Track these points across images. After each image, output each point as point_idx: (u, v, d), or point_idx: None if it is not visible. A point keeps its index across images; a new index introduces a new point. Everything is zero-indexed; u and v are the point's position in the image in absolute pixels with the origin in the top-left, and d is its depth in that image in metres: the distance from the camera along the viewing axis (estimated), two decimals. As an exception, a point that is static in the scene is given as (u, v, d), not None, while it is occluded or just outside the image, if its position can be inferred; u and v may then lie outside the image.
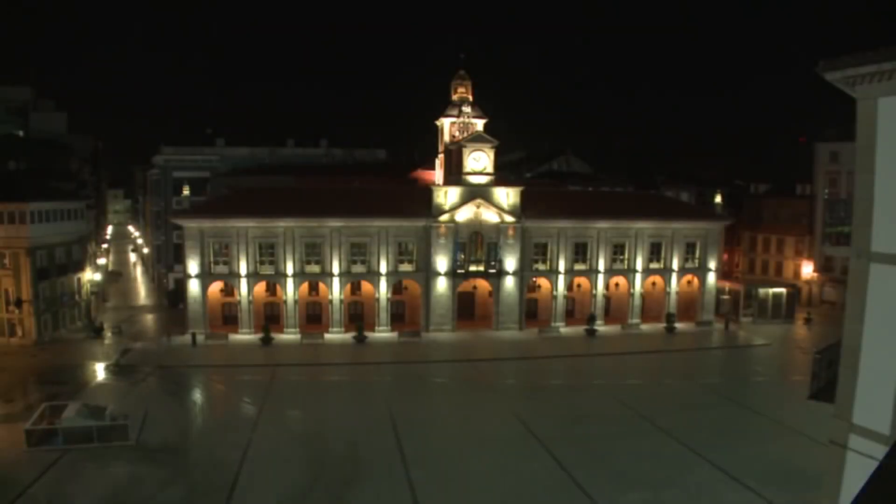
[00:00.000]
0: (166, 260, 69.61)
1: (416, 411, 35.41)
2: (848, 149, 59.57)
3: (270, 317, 54.64)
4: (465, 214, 53.98)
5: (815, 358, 16.73)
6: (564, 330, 55.67)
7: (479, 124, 58.41)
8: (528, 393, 39.75)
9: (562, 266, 56.39)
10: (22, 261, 49.06)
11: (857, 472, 12.97)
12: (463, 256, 54.18)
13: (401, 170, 73.01)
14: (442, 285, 54.32)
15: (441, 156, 61.33)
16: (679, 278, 59.07)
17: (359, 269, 54.02)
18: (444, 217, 53.62)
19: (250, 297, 52.86)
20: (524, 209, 54.76)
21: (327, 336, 52.13)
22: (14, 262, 49.06)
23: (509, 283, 55.23)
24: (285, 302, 53.31)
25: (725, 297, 62.66)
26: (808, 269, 70.36)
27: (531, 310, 58.60)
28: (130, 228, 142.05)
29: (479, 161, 54.49)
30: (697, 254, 59.36)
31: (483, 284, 56.73)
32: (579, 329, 55.29)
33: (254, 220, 52.05)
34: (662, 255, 58.64)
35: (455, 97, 59.67)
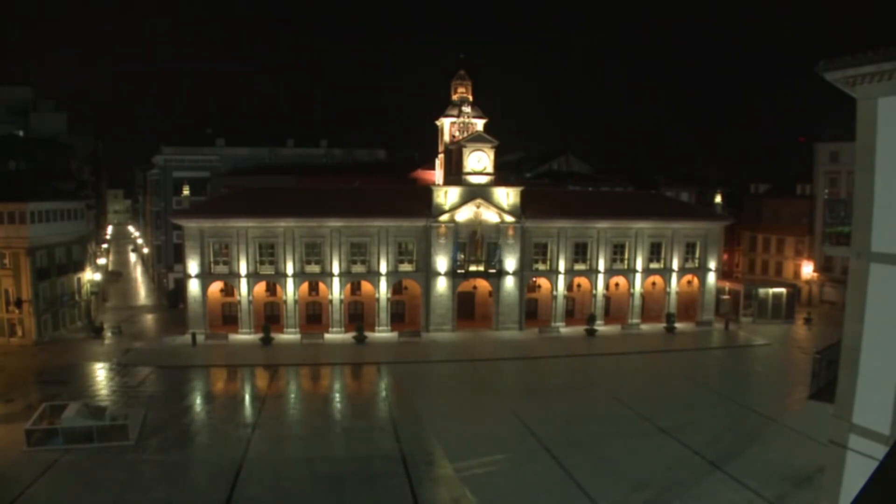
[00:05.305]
0: (166, 260, 69.61)
1: (415, 411, 35.37)
2: (848, 149, 59.60)
3: (270, 317, 54.66)
4: (465, 214, 53.96)
5: (815, 358, 16.76)
6: (564, 330, 55.66)
7: (479, 124, 58.40)
8: (529, 393, 39.71)
9: (562, 266, 56.37)
10: (22, 261, 49.07)
11: (857, 472, 12.99)
12: (463, 256, 54.15)
13: (401, 170, 73.04)
14: (442, 285, 54.31)
15: (441, 156, 61.32)
16: (679, 278, 59.04)
17: (359, 269, 54.01)
18: (444, 217, 53.61)
19: (250, 297, 52.85)
20: (524, 209, 54.75)
21: (327, 336, 52.12)
22: (14, 262, 49.07)
23: (509, 283, 55.22)
24: (285, 302, 53.30)
25: (725, 297, 62.64)
26: (808, 269, 70.35)
27: (531, 310, 58.59)
28: (130, 228, 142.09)
29: (480, 161, 54.47)
30: (697, 254, 59.33)
31: (483, 284, 56.72)
32: (579, 329, 55.27)
33: (254, 220, 52.04)
34: (662, 255, 58.61)
35: (455, 97, 59.65)
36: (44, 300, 51.13)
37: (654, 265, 58.50)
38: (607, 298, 58.83)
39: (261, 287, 54.21)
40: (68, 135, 74.03)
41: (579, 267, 57.19)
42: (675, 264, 58.63)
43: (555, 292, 56.74)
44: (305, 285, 54.68)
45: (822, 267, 68.34)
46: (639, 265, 57.86)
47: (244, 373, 44.00)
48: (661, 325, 57.12)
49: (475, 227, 53.90)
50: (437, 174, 62.61)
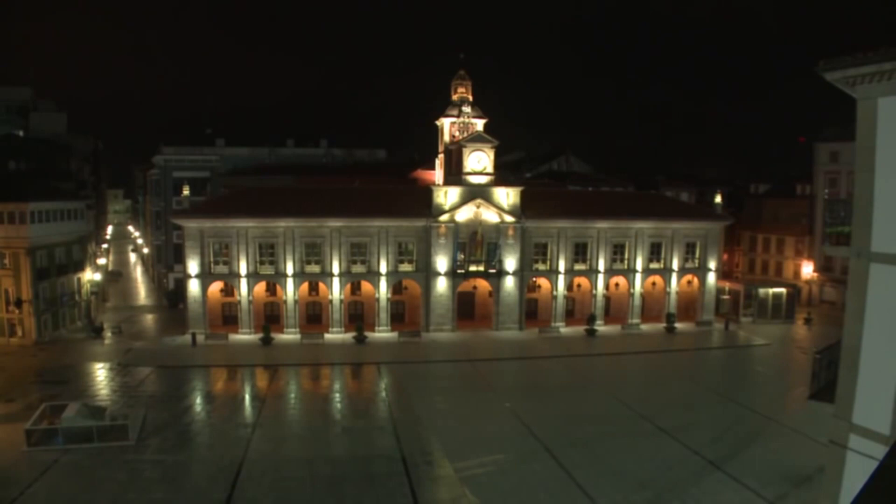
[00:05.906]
0: (166, 260, 69.61)
1: (415, 411, 35.37)
2: (848, 149, 59.60)
3: (270, 317, 54.67)
4: (465, 214, 53.96)
5: (815, 358, 16.73)
6: (564, 330, 55.65)
7: (479, 124, 58.38)
8: (528, 393, 39.71)
9: (562, 266, 56.36)
10: (22, 261, 49.07)
11: (857, 472, 12.98)
12: (463, 256, 54.15)
13: (401, 170, 73.03)
14: (442, 285, 54.31)
15: (441, 156, 61.31)
16: (679, 278, 59.04)
17: (359, 269, 54.01)
18: (444, 217, 53.61)
19: (250, 297, 52.84)
20: (524, 209, 54.75)
21: (327, 336, 52.12)
22: (14, 262, 49.07)
23: (509, 283, 55.21)
24: (285, 302, 53.30)
25: (725, 297, 62.63)
26: (808, 269, 70.35)
27: (531, 310, 58.58)
28: (130, 228, 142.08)
29: (480, 161, 54.46)
30: (697, 254, 59.33)
31: (483, 284, 56.70)
32: (579, 329, 55.27)
33: (254, 220, 52.04)
34: (662, 255, 58.61)
35: (455, 97, 59.64)
36: (44, 300, 51.12)
37: (654, 265, 58.50)
38: (607, 298, 58.83)
39: (261, 287, 54.21)
40: (68, 135, 73.92)
41: (579, 267, 57.18)
42: (675, 264, 58.63)
43: (555, 292, 56.74)
44: (305, 285, 54.68)
45: (822, 267, 68.33)
46: (639, 265, 57.85)
47: (244, 373, 44.00)
48: (661, 325, 57.12)
49: (475, 227, 53.90)
50: (437, 174, 62.60)
